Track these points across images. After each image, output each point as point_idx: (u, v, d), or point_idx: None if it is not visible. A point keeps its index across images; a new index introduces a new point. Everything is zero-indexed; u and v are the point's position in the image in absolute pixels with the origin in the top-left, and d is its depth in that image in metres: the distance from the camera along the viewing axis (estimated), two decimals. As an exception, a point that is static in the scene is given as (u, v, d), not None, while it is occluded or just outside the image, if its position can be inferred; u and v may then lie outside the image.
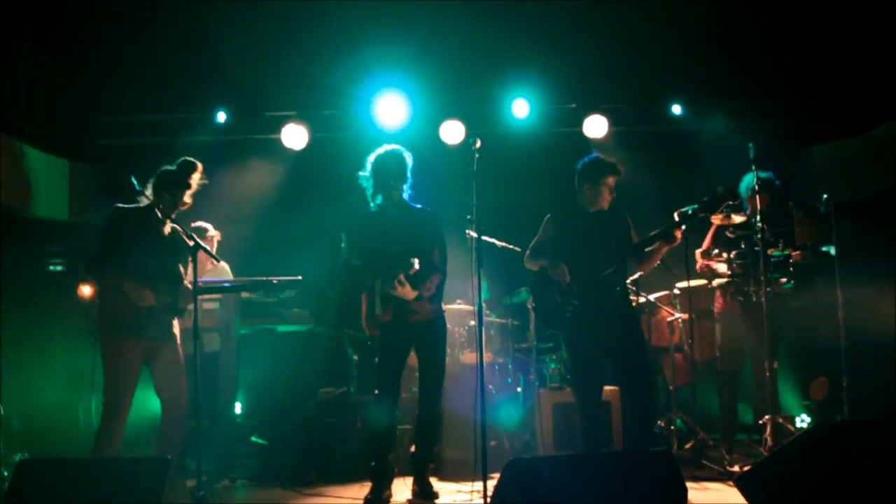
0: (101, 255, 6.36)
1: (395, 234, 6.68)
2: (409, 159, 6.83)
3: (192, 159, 6.56)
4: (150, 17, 9.81)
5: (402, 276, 6.48)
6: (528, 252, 6.96)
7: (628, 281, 7.31)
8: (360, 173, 6.87)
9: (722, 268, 7.84)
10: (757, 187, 7.57)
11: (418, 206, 6.91)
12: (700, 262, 8.03)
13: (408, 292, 6.58)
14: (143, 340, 6.35)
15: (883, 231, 8.82)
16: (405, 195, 6.85)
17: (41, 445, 8.05)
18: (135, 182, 6.28)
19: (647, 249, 6.67)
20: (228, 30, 9.67)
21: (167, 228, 6.52)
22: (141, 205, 6.46)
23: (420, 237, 6.70)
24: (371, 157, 6.84)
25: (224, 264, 8.28)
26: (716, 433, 8.04)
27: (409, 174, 6.82)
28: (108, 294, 6.36)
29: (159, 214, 6.41)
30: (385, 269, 6.61)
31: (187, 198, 6.55)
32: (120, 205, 6.50)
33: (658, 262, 6.92)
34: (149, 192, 6.49)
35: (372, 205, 6.87)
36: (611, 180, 6.81)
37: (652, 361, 8.01)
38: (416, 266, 6.40)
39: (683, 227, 6.54)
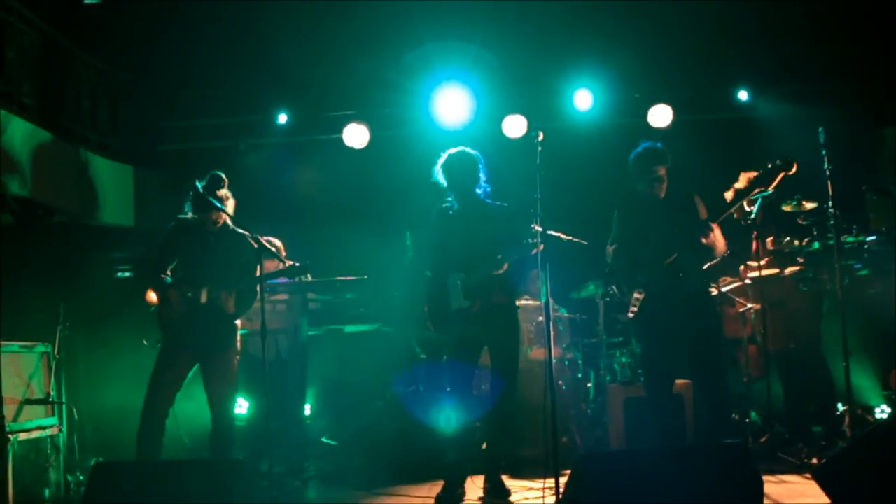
0: (154, 266, 6.64)
1: (474, 231, 6.60)
2: (477, 159, 6.76)
3: (218, 174, 6.52)
4: (209, 21, 9.88)
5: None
6: (607, 248, 6.86)
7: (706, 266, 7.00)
8: (436, 169, 6.83)
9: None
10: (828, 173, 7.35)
11: (496, 202, 6.82)
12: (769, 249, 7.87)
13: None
14: (190, 350, 6.49)
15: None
16: (480, 193, 6.78)
17: (113, 450, 8.12)
18: (199, 186, 6.32)
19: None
20: (287, 31, 9.72)
21: (224, 231, 6.62)
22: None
23: (500, 232, 6.59)
24: (440, 162, 6.80)
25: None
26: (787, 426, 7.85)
27: (479, 174, 6.74)
28: (160, 303, 6.58)
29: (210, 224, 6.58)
30: (467, 265, 6.56)
31: (228, 205, 6.58)
32: (180, 216, 6.67)
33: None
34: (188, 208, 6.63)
35: (448, 203, 6.82)
36: (657, 170, 6.59)
37: (726, 353, 7.81)
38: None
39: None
